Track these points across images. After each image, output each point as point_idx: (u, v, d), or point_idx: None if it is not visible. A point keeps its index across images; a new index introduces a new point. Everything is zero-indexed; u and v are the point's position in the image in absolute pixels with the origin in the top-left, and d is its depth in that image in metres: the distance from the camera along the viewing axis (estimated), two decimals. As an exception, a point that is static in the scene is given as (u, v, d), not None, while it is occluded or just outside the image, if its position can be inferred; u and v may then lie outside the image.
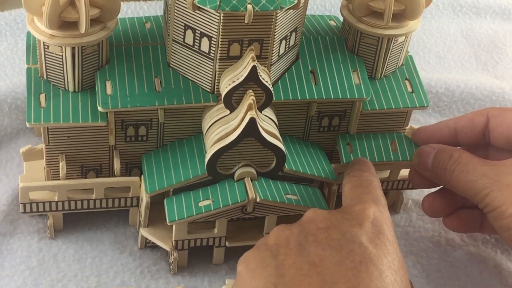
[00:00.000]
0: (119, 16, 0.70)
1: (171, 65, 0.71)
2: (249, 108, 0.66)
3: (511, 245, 0.67)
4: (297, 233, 0.61)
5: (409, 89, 0.77)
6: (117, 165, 0.72)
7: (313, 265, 0.57)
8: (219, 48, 0.67)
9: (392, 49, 0.75)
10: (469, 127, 0.75)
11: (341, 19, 0.78)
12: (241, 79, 0.67)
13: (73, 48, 0.68)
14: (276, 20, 0.67)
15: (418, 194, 0.83)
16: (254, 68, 0.66)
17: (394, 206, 0.82)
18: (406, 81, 0.77)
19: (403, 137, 0.78)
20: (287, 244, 0.60)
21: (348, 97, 0.73)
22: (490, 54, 1.04)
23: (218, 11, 0.64)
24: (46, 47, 0.68)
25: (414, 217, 0.81)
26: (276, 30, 0.67)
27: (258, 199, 0.68)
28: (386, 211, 0.64)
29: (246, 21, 0.65)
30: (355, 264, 0.57)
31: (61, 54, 0.68)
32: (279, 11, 0.65)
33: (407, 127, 0.79)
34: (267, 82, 0.67)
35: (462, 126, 0.76)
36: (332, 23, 0.81)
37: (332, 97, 0.73)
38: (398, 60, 0.77)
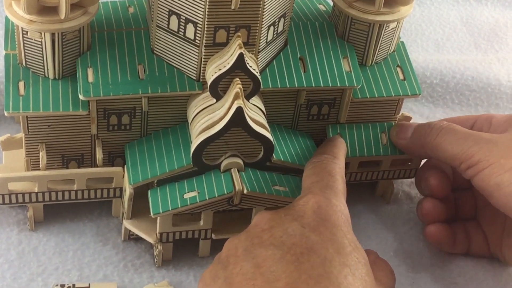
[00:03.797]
0: None
1: (155, 51, 0.69)
2: (236, 97, 0.64)
3: (507, 206, 0.65)
4: (244, 239, 0.59)
5: (401, 77, 0.75)
6: (99, 155, 0.70)
7: (257, 267, 0.56)
8: (205, 35, 0.65)
9: (383, 35, 0.72)
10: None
11: (331, 3, 0.76)
12: (228, 66, 0.64)
13: (52, 34, 0.65)
14: (264, 5, 0.64)
15: (409, 186, 0.81)
16: (241, 56, 0.64)
17: (384, 196, 0.80)
18: (398, 68, 0.75)
19: (394, 128, 0.76)
20: (235, 252, 0.59)
21: (338, 85, 0.71)
22: (490, 43, 1.02)
23: (204, -4, 0.62)
24: (24, 32, 0.66)
25: (404, 208, 0.79)
26: (264, 16, 0.65)
27: (245, 191, 0.66)
28: (336, 198, 0.62)
29: (233, 7, 0.62)
30: (296, 256, 0.56)
31: (40, 40, 0.66)
32: (267, -4, 0.63)
33: (398, 115, 0.77)
34: (254, 70, 0.65)
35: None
36: (321, 7, 0.78)
37: (322, 85, 0.70)
38: (389, 47, 0.75)
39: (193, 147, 0.66)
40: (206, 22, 0.64)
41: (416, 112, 0.91)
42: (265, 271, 0.56)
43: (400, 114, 0.78)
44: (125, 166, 0.70)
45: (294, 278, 0.55)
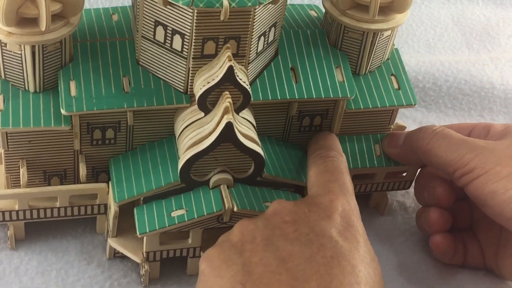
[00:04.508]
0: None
1: (140, 63, 0.66)
2: (226, 112, 0.61)
3: (502, 215, 0.63)
4: (263, 227, 0.58)
5: (395, 86, 0.72)
6: (82, 171, 0.67)
7: (282, 261, 0.55)
8: (193, 46, 0.62)
9: (377, 43, 0.70)
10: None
11: (323, 9, 0.73)
12: (217, 79, 0.61)
13: (33, 46, 0.62)
14: (255, 16, 0.61)
15: (403, 196, 0.79)
16: (230, 68, 0.61)
17: (378, 208, 0.78)
18: (392, 77, 0.72)
19: (388, 139, 0.73)
20: (252, 239, 0.57)
21: (331, 96, 0.68)
22: (482, 43, 0.99)
23: (192, 7, 0.59)
24: (3, 45, 0.63)
25: (399, 219, 0.77)
26: (254, 27, 0.62)
27: (235, 209, 0.64)
28: (353, 201, 0.62)
29: (221, 18, 0.59)
30: (326, 259, 0.55)
31: (20, 52, 0.63)
32: (257, 6, 0.60)
33: (392, 125, 0.74)
34: (244, 82, 0.62)
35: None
36: (312, 13, 0.76)
37: (314, 97, 0.68)
38: (383, 55, 0.72)
39: (180, 163, 0.63)
40: (194, 34, 0.61)
41: (409, 117, 0.88)
42: (291, 268, 0.54)
43: (394, 123, 0.75)
44: (110, 182, 0.67)
45: (326, 282, 0.53)
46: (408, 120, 0.88)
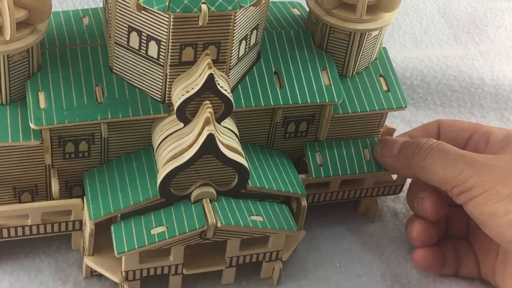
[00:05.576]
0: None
1: (114, 70, 0.62)
2: (207, 123, 0.57)
3: (503, 237, 0.60)
4: None
5: (384, 88, 0.68)
6: (55, 187, 0.63)
7: None
8: (170, 53, 0.58)
9: (365, 44, 0.66)
10: (423, 136, 0.71)
11: (306, 7, 0.69)
12: (197, 88, 0.58)
13: (-3, 57, 0.58)
14: (235, 20, 0.57)
15: (394, 201, 0.76)
16: (211, 76, 0.57)
17: (367, 214, 0.74)
18: (381, 78, 0.69)
19: (377, 144, 0.70)
20: None
21: (318, 101, 0.64)
22: (470, 36, 0.96)
23: (168, 13, 0.55)
24: (-35, 55, 0.58)
25: (390, 226, 0.74)
26: (235, 31, 0.58)
27: (219, 224, 0.60)
28: None
29: (200, 23, 0.55)
30: None
31: (-17, 63, 0.58)
32: (238, 10, 0.56)
33: (382, 129, 0.71)
34: (226, 90, 0.59)
35: (416, 135, 0.72)
36: (295, 11, 0.72)
37: (300, 102, 0.64)
38: (371, 55, 0.68)
39: (160, 177, 0.59)
40: (170, 40, 0.57)
41: (397, 116, 0.85)
42: None
43: (384, 126, 0.72)
44: (85, 198, 0.63)
45: None
46: (396, 119, 0.84)
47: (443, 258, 0.69)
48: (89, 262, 0.64)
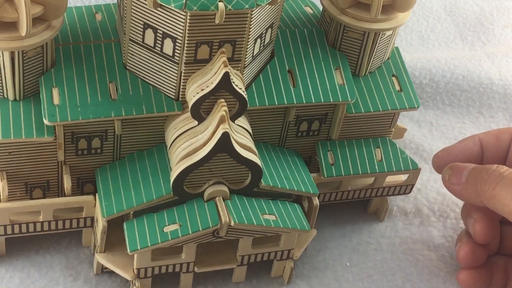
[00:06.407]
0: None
1: (128, 67, 0.62)
2: (222, 121, 0.57)
3: None
4: None
5: (397, 88, 0.68)
6: (67, 183, 0.62)
7: None
8: (185, 51, 0.58)
9: (379, 44, 0.66)
10: (494, 144, 0.67)
11: (319, 5, 0.69)
12: (212, 87, 0.57)
13: (12, 52, 0.57)
14: (251, 18, 0.57)
15: (403, 201, 0.76)
16: (226, 75, 0.57)
17: (378, 214, 0.74)
18: (393, 78, 0.69)
19: (389, 144, 0.70)
20: None
21: (331, 101, 0.64)
22: (477, 35, 0.96)
23: (184, 11, 0.55)
24: (-21, 50, 0.58)
25: (400, 226, 0.74)
26: (251, 29, 0.58)
27: (232, 223, 0.60)
28: None
29: (217, 21, 0.55)
30: None
31: (-3, 58, 0.58)
32: (255, 8, 0.56)
33: (393, 128, 0.71)
34: (240, 88, 0.58)
35: (487, 142, 0.68)
36: (308, 9, 0.71)
37: (313, 101, 0.64)
38: (384, 55, 0.68)
39: (173, 175, 0.59)
40: (186, 38, 0.57)
41: (406, 116, 0.85)
42: None
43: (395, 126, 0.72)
44: (97, 195, 0.63)
45: None
46: (405, 118, 0.84)
47: (490, 278, 0.67)
48: (101, 259, 0.64)
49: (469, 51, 0.94)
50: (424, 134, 0.83)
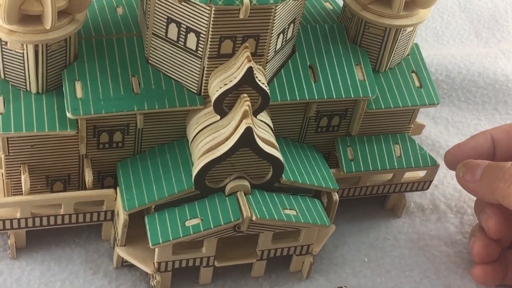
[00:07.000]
0: None
1: (150, 61, 0.62)
2: (245, 116, 0.57)
3: None
4: None
5: (417, 84, 0.68)
6: (88, 177, 0.63)
7: None
8: (209, 45, 0.58)
9: (399, 40, 0.66)
10: (505, 139, 0.67)
11: (338, 1, 0.69)
12: (235, 81, 0.58)
13: (36, 46, 0.58)
14: (275, 13, 0.57)
15: (420, 197, 0.76)
16: (250, 70, 0.57)
17: (395, 210, 0.74)
18: (413, 74, 0.69)
19: (408, 140, 0.70)
20: None
21: (352, 96, 0.64)
22: (491, 31, 0.96)
23: (209, 5, 0.55)
24: (3, 43, 0.58)
25: (417, 222, 0.74)
26: (275, 24, 0.58)
27: (253, 218, 0.60)
28: None
29: (241, 16, 0.55)
30: None
31: (21, 51, 0.58)
32: (279, 3, 0.56)
33: (412, 125, 0.71)
34: (263, 84, 0.58)
35: (499, 138, 0.68)
36: (327, 5, 0.72)
37: (335, 97, 0.64)
38: (404, 51, 0.68)
39: (195, 170, 0.59)
40: (210, 32, 0.57)
41: (422, 112, 0.85)
42: None
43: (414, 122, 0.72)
44: (118, 188, 0.63)
45: None
46: (421, 115, 0.84)
47: (504, 273, 0.67)
48: (121, 252, 0.64)
49: (484, 48, 0.94)
50: (440, 130, 0.83)
